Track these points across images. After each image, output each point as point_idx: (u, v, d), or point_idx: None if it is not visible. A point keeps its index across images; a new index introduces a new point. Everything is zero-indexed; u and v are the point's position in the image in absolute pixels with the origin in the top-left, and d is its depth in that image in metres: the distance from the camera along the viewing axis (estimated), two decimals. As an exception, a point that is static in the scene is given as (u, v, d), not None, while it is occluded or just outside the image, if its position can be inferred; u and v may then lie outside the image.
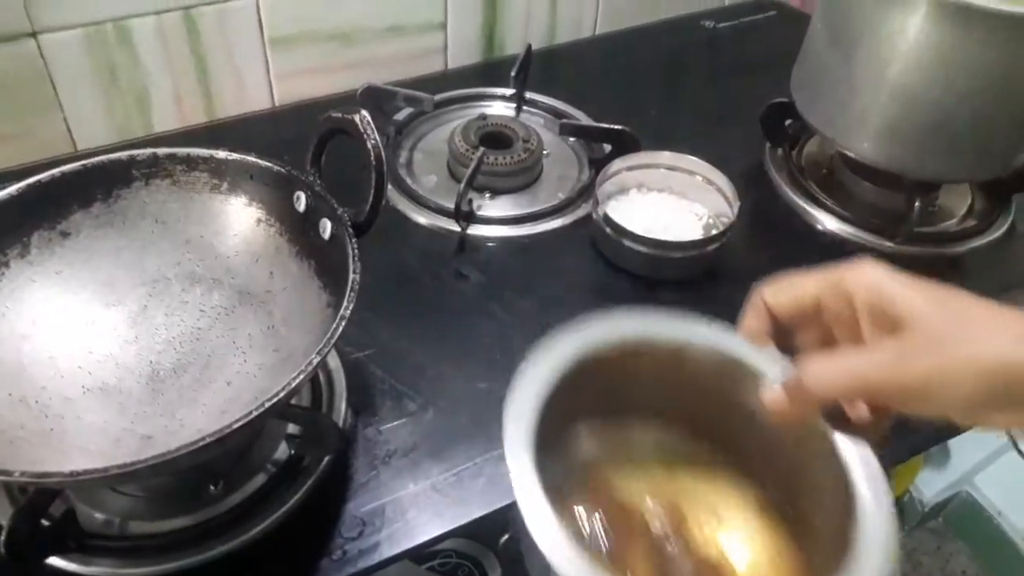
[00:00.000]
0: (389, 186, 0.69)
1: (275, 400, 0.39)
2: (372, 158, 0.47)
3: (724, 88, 0.85)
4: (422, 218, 0.67)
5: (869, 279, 0.36)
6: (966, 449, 1.35)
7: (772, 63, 0.72)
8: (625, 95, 0.83)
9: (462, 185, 0.64)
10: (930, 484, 1.36)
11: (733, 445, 0.42)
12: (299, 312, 0.51)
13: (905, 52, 0.58)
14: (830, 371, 0.36)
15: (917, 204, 0.64)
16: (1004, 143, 0.62)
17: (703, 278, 0.64)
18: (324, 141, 0.50)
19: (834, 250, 0.68)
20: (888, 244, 0.67)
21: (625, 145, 0.69)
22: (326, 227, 0.49)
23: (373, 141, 0.47)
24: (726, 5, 0.99)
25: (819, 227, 0.69)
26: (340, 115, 0.49)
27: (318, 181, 0.51)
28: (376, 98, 0.73)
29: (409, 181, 0.70)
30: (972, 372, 0.33)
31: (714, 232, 0.65)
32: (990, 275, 0.68)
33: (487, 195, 0.70)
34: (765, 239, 0.69)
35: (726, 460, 0.42)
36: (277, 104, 0.82)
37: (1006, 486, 1.33)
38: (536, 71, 0.82)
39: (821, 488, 0.38)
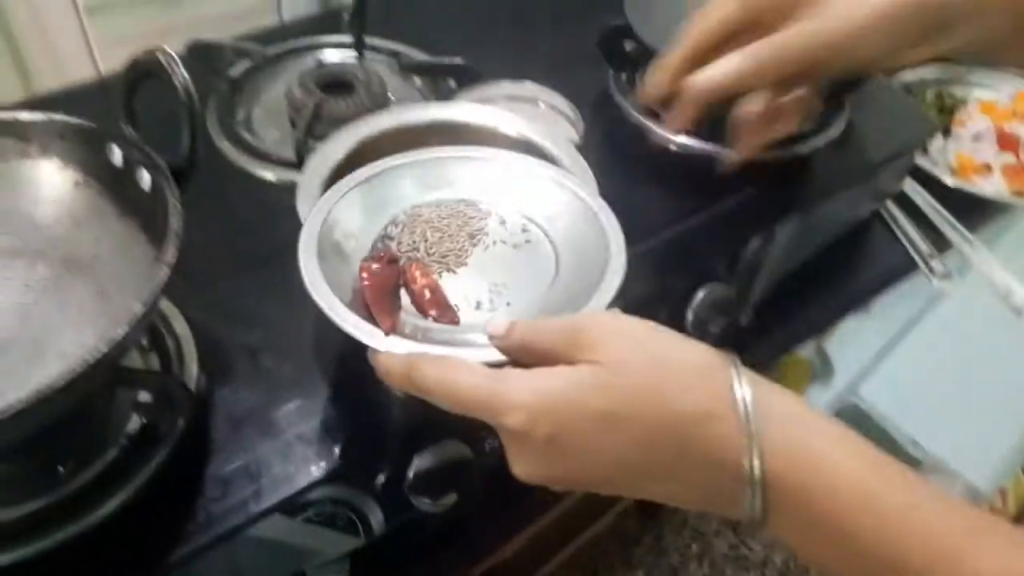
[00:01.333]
0: (228, 144, 0.66)
1: (97, 359, 0.37)
2: (182, 95, 0.44)
3: (569, 17, 0.84)
4: (267, 173, 0.65)
5: None
6: (847, 360, 1.41)
7: None
8: (470, 32, 0.82)
9: (300, 133, 0.61)
10: (818, 399, 1.43)
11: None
12: (129, 274, 0.48)
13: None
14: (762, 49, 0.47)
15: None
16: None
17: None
18: (133, 88, 0.47)
19: (683, 162, 0.69)
20: (730, 151, 0.68)
21: (468, 79, 0.69)
22: (145, 178, 0.46)
23: (180, 78, 0.44)
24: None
25: (668, 145, 0.70)
26: (144, 57, 0.46)
27: (131, 131, 0.48)
28: (205, 55, 0.70)
29: (249, 137, 0.67)
30: (885, 15, 0.43)
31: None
32: (833, 168, 0.71)
33: (333, 144, 0.68)
34: (616, 162, 0.70)
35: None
36: (103, 73, 0.77)
37: (888, 391, 1.40)
38: (379, 14, 0.80)
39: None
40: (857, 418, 1.45)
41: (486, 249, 0.49)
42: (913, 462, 1.35)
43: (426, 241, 0.49)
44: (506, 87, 0.68)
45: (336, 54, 0.77)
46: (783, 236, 0.66)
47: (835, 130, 0.73)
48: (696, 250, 0.61)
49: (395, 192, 0.51)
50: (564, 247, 0.49)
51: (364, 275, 0.45)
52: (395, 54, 0.77)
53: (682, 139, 0.70)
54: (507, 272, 0.48)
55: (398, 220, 0.50)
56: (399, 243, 0.48)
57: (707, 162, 0.69)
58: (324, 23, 0.81)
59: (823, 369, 1.41)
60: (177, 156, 0.46)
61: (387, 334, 0.40)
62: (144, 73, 0.46)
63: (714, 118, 0.70)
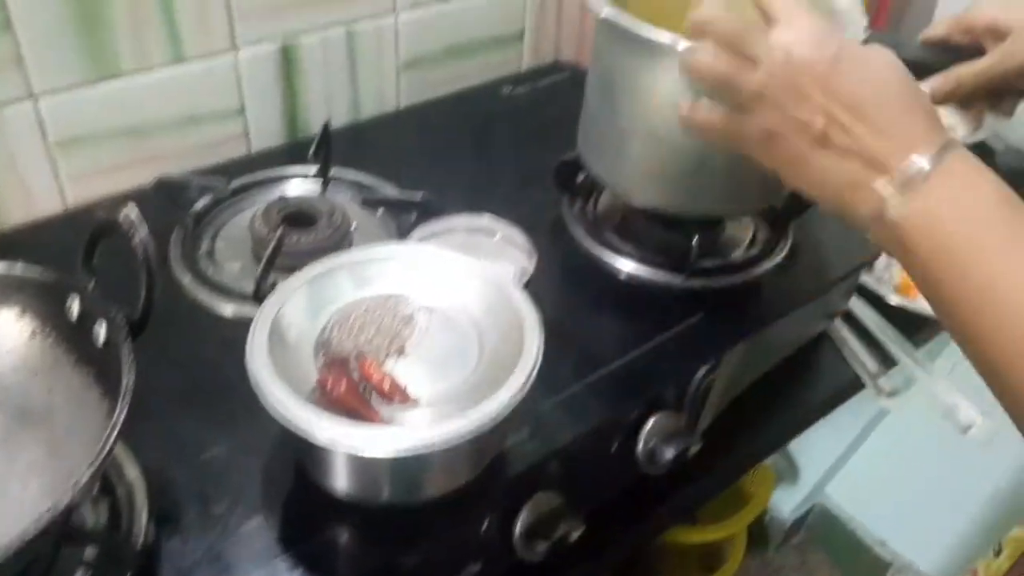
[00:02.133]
0: (190, 278, 0.68)
1: (40, 529, 0.37)
2: (140, 256, 0.46)
3: (524, 150, 0.88)
4: (227, 308, 0.66)
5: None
6: (812, 462, 1.43)
7: (567, 122, 0.76)
8: (430, 165, 0.85)
9: (260, 267, 0.63)
10: (786, 501, 1.43)
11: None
12: (82, 425, 0.48)
13: (659, 102, 0.63)
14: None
15: (695, 242, 0.69)
16: (762, 179, 0.68)
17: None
18: (94, 242, 0.49)
19: (633, 291, 0.72)
20: (677, 281, 0.71)
21: (428, 212, 0.71)
22: (101, 331, 0.48)
23: (139, 238, 0.46)
24: (523, 71, 1.05)
25: (617, 272, 0.73)
26: (104, 215, 0.47)
27: (90, 283, 0.49)
28: (169, 190, 0.72)
29: (210, 271, 0.69)
30: None
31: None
32: (781, 293, 0.74)
33: (294, 276, 0.69)
34: (568, 289, 0.72)
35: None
36: (71, 207, 0.78)
37: (854, 491, 1.41)
38: (343, 147, 0.83)
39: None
40: (825, 519, 1.45)
41: (416, 336, 0.54)
42: (882, 564, 1.35)
43: (365, 335, 0.53)
44: (464, 220, 0.70)
45: (301, 185, 0.80)
46: (732, 362, 0.68)
47: (780, 254, 0.76)
48: (646, 379, 0.63)
49: (334, 289, 0.55)
50: (486, 327, 0.54)
51: (331, 384, 0.49)
52: (359, 186, 0.80)
53: (631, 268, 0.73)
54: (438, 354, 0.53)
55: (337, 318, 0.54)
56: (342, 341, 0.52)
57: (656, 291, 0.72)
58: (292, 153, 0.84)
59: (789, 471, 1.42)
60: (134, 308, 0.47)
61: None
62: (106, 231, 0.48)
63: (664, 243, 0.74)
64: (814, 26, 0.46)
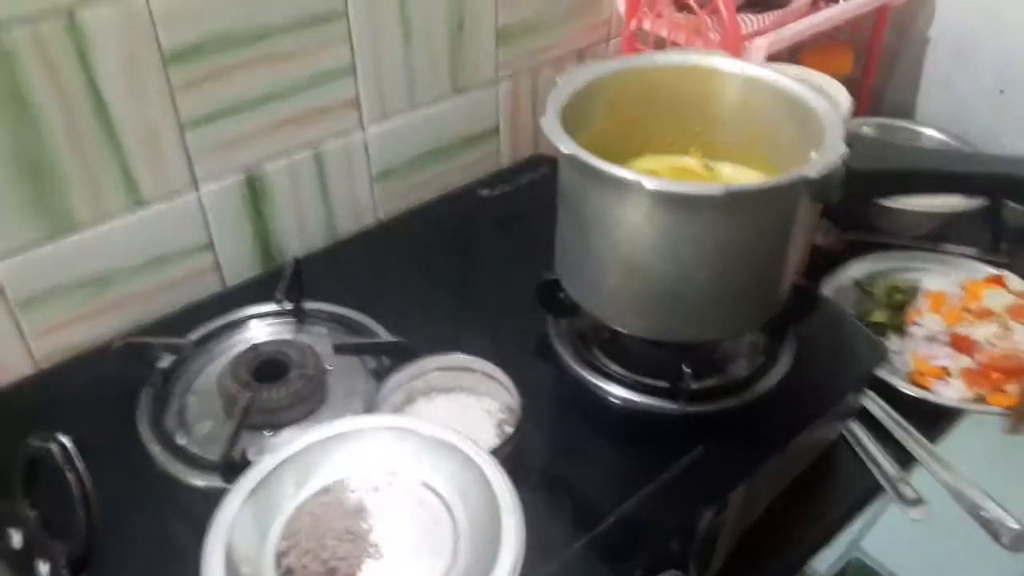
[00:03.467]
0: (158, 448, 0.64)
1: None
2: (75, 490, 0.42)
3: (507, 261, 0.85)
4: (197, 480, 0.62)
5: None
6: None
7: (550, 223, 0.71)
8: (410, 288, 0.81)
9: (226, 440, 0.60)
10: (823, 557, 1.37)
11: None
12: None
13: (632, 234, 0.59)
14: None
15: (688, 369, 0.65)
16: (751, 299, 0.64)
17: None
18: (30, 474, 0.45)
19: (626, 420, 0.67)
20: (673, 407, 0.67)
21: (402, 356, 0.67)
22: (44, 569, 0.44)
23: (74, 473, 0.42)
24: (503, 167, 1.02)
25: (609, 398, 0.69)
26: (38, 443, 0.44)
27: (31, 516, 0.46)
28: (132, 352, 0.69)
29: (179, 436, 0.65)
30: None
31: (506, 430, 0.64)
32: (786, 414, 0.69)
33: (268, 432, 0.66)
34: (557, 424, 0.68)
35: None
36: (41, 366, 0.76)
37: (891, 544, 1.36)
38: (319, 273, 0.80)
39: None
40: (862, 573, 1.39)
41: (379, 526, 0.49)
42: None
43: (328, 550, 0.48)
44: (442, 360, 0.67)
45: (274, 325, 0.76)
46: (739, 499, 0.64)
47: (784, 363, 0.72)
48: (645, 534, 0.58)
49: (277, 496, 0.50)
50: (452, 500, 0.50)
51: None
52: (334, 320, 0.76)
53: (623, 393, 0.69)
54: (409, 544, 0.49)
55: (287, 541, 0.48)
56: (308, 569, 0.47)
57: (651, 419, 0.68)
58: (269, 282, 0.78)
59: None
60: (78, 541, 0.44)
61: None
62: (40, 459, 0.44)
63: (656, 363, 0.70)
64: None
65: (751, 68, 0.68)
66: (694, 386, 0.67)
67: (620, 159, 0.73)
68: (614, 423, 0.68)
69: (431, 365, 0.67)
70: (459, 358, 0.66)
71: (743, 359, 0.72)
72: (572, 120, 0.63)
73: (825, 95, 0.64)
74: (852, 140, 0.59)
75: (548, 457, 0.64)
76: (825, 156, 0.57)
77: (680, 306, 0.63)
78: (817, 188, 0.58)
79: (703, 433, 0.66)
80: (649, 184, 0.55)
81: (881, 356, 0.74)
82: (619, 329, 0.67)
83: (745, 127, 0.70)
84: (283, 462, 0.51)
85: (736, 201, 0.55)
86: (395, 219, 0.93)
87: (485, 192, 0.94)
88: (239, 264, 0.85)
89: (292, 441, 0.64)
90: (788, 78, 0.66)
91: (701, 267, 0.60)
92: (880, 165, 0.61)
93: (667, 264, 0.60)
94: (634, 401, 0.68)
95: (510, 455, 0.61)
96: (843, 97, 0.86)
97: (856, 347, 0.75)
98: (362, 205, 0.92)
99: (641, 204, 0.57)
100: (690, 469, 0.63)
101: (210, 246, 0.82)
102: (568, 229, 0.66)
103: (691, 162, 0.74)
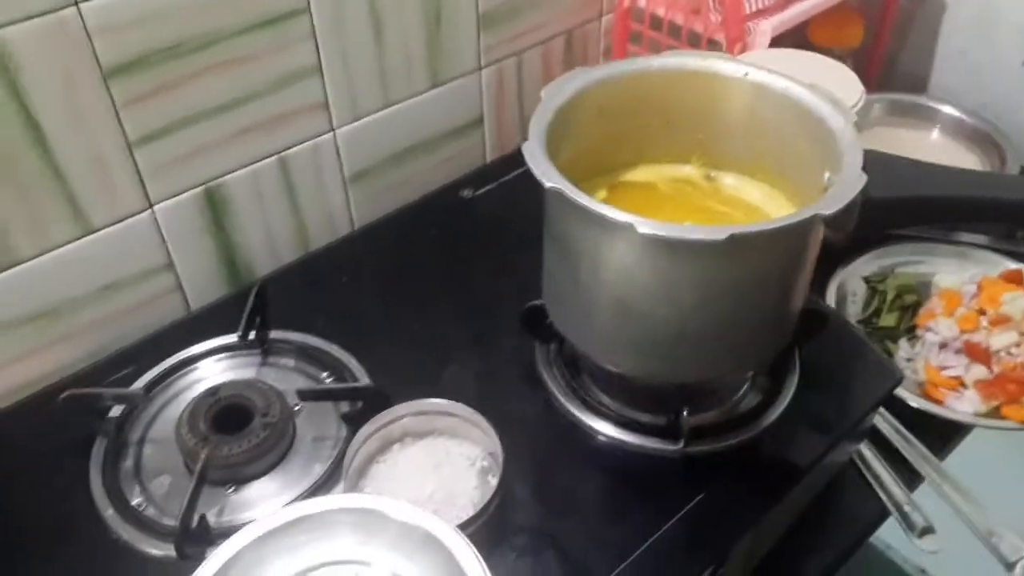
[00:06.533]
0: (113, 512, 0.59)
1: None
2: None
3: (491, 272, 0.78)
4: (153, 548, 0.57)
5: None
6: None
7: (536, 228, 0.65)
8: (386, 308, 0.75)
9: (181, 510, 0.55)
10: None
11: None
12: None
13: (625, 275, 0.53)
14: None
15: (683, 413, 0.60)
16: (759, 338, 0.59)
17: (491, 541, 0.56)
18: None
19: (620, 462, 0.62)
20: (671, 447, 0.62)
21: (374, 401, 0.62)
22: None
23: None
24: (487, 162, 0.95)
25: (600, 437, 0.64)
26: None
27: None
28: (80, 404, 0.63)
29: (134, 495, 0.60)
30: None
31: (490, 481, 0.59)
32: (792, 449, 0.63)
33: (230, 489, 0.61)
34: (545, 470, 0.63)
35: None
36: (-2, 406, 0.70)
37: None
38: (290, 290, 0.75)
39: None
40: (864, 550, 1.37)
41: None
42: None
43: None
44: (415, 406, 0.61)
45: (236, 358, 0.70)
46: (743, 549, 0.59)
47: (789, 391, 0.66)
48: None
49: None
50: None
51: None
52: (305, 353, 0.70)
53: (615, 433, 0.64)
54: None
55: None
56: None
57: (647, 461, 0.63)
58: (238, 306, 0.71)
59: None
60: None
61: None
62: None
63: (651, 396, 0.64)
64: None
65: (756, 73, 0.61)
66: (693, 422, 0.61)
67: (615, 170, 0.68)
68: (607, 468, 0.63)
69: (404, 411, 0.61)
70: (436, 403, 0.61)
71: (745, 389, 0.67)
72: (560, 132, 0.57)
73: (839, 105, 0.57)
74: (868, 162, 0.53)
75: (535, 514, 0.59)
76: (842, 189, 0.51)
77: (679, 348, 0.57)
78: (830, 221, 0.51)
79: (704, 477, 0.61)
80: (643, 228, 0.48)
81: (895, 381, 0.68)
82: (610, 368, 0.61)
83: (752, 137, 0.63)
84: (238, 552, 0.46)
85: (741, 244, 0.49)
86: (371, 228, 0.86)
87: (467, 193, 0.87)
88: (204, 283, 0.78)
89: (255, 503, 0.60)
90: (799, 86, 0.59)
91: (703, 310, 0.54)
92: (899, 192, 0.54)
93: (665, 307, 0.54)
94: (629, 442, 0.63)
95: (494, 514, 0.56)
96: (854, 91, 0.79)
97: (867, 369, 0.69)
98: (336, 213, 0.85)
99: (634, 246, 0.51)
100: (690, 519, 0.58)
101: (170, 266, 0.75)
102: (554, 261, 0.60)
103: (692, 172, 0.68)
